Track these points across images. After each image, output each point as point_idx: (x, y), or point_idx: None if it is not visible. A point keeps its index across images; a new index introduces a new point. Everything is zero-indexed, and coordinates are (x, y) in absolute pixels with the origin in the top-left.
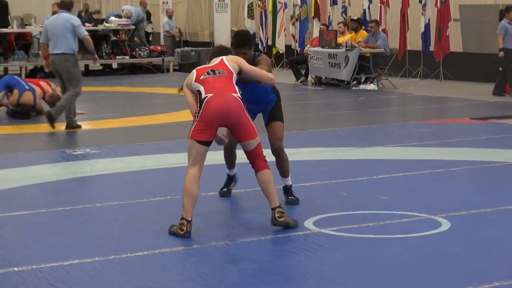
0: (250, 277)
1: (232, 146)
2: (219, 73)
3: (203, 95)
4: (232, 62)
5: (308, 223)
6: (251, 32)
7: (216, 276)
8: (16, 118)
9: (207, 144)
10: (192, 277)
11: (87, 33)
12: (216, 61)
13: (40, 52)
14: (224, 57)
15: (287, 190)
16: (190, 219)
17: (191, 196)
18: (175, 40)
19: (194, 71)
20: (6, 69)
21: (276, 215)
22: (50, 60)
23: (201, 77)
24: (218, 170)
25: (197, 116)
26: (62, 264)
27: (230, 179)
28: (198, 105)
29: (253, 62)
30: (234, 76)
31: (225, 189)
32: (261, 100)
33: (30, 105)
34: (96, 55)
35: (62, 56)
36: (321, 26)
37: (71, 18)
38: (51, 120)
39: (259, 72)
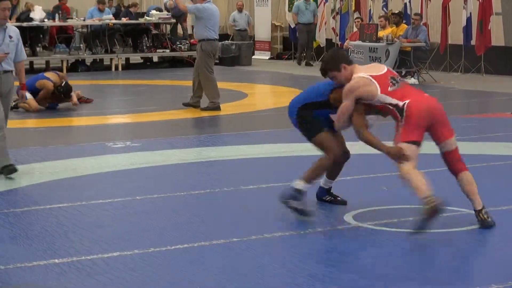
0: (288, 270)
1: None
2: (400, 80)
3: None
4: None
5: (348, 217)
6: (292, 26)
7: (252, 270)
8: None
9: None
10: (230, 270)
11: None
12: (382, 70)
13: (81, 45)
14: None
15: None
16: None
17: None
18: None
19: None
20: (47, 62)
21: (485, 215)
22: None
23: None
24: (265, 163)
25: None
26: (102, 256)
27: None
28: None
29: None
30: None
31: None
32: None
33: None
34: None
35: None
36: (355, 20)
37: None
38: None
39: None
